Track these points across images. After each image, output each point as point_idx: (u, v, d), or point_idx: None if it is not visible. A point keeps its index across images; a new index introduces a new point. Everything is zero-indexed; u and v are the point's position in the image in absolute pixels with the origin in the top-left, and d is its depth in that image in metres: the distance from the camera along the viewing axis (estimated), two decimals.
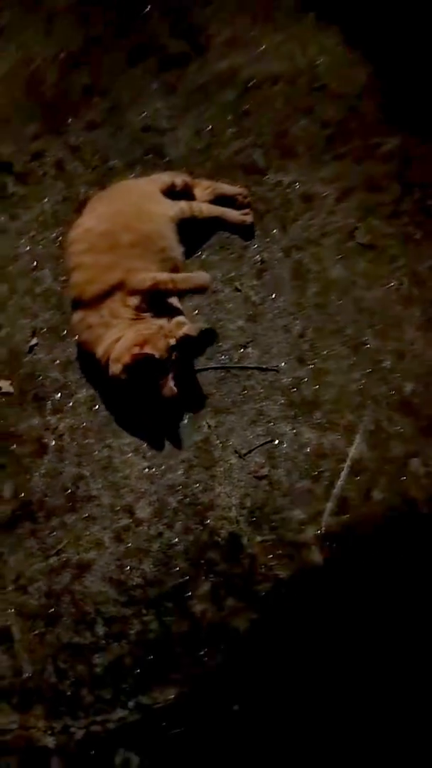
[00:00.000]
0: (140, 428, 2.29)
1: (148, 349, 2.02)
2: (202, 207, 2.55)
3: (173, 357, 2.12)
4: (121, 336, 2.10)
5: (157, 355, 2.03)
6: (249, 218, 2.60)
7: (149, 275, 2.16)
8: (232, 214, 2.60)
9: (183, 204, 2.50)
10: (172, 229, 2.41)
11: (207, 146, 2.85)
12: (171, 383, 2.10)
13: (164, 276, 2.19)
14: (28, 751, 1.86)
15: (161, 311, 2.21)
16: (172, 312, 2.25)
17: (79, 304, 2.21)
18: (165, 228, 2.37)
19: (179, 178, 2.61)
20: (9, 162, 2.83)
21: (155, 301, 2.18)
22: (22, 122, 2.93)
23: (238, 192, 2.64)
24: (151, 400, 2.13)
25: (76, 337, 2.25)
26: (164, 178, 2.60)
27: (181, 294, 2.30)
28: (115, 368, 2.07)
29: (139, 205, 2.40)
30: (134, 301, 2.14)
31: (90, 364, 2.32)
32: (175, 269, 2.35)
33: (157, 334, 2.09)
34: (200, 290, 2.28)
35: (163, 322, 2.16)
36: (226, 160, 2.80)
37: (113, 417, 2.31)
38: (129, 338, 2.09)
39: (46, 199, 2.74)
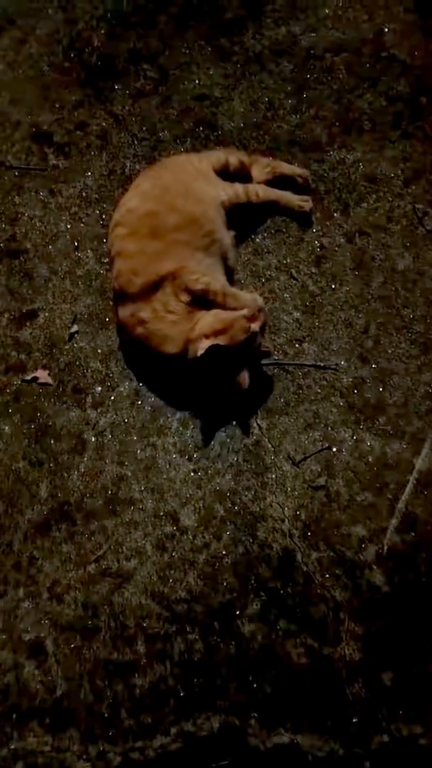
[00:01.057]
0: (188, 425, 2.11)
1: (222, 340, 1.86)
2: (258, 190, 2.33)
3: (256, 344, 1.96)
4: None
5: (233, 346, 1.87)
6: (308, 205, 2.38)
7: (202, 279, 1.97)
8: (291, 198, 2.37)
9: (238, 187, 2.29)
10: (222, 213, 2.20)
11: (263, 119, 2.62)
12: (245, 374, 1.93)
13: (216, 287, 1.99)
14: None
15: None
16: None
17: (124, 297, 2.03)
18: (214, 211, 2.17)
19: (234, 157, 2.39)
20: (50, 132, 2.64)
21: (206, 302, 1.99)
22: (64, 89, 2.73)
23: (299, 173, 2.41)
24: (220, 389, 1.98)
25: (130, 333, 2.05)
26: (219, 155, 2.38)
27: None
28: (192, 350, 1.91)
29: (187, 184, 2.19)
30: (186, 297, 1.95)
31: (138, 357, 2.15)
32: (223, 255, 2.15)
33: (238, 321, 1.91)
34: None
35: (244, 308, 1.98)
36: (284, 135, 2.57)
37: (160, 412, 2.13)
38: (208, 322, 1.92)
39: (89, 173, 2.54)
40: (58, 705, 1.79)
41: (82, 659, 1.83)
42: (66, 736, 1.76)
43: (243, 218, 2.32)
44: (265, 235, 2.40)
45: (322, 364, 2.18)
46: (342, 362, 2.19)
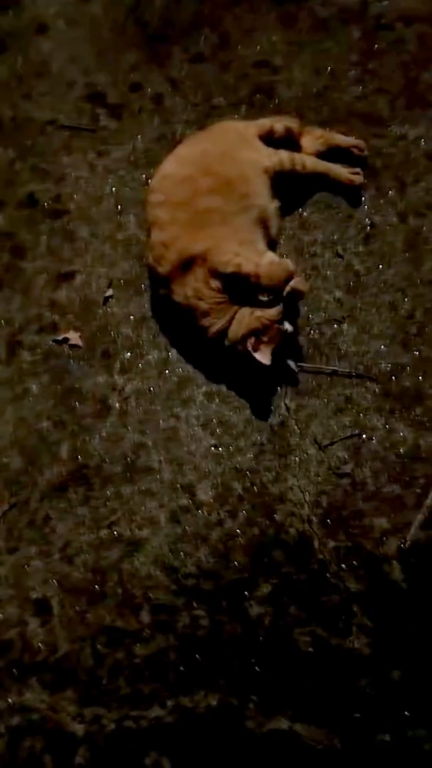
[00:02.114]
0: (213, 399, 2.06)
1: (263, 350, 1.87)
2: (306, 160, 2.23)
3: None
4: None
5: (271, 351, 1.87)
6: (359, 179, 2.26)
7: (233, 261, 1.89)
8: (340, 171, 2.26)
9: (283, 154, 2.19)
10: (264, 179, 2.11)
11: (324, 89, 2.50)
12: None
13: (249, 268, 1.89)
14: (54, 735, 1.72)
15: (250, 301, 1.94)
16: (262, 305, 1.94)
17: (157, 278, 1.99)
18: (254, 175, 2.08)
19: (281, 124, 2.28)
20: (103, 92, 2.60)
21: (240, 289, 1.91)
22: (121, 50, 2.68)
23: (355, 144, 2.29)
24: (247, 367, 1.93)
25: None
26: (264, 121, 2.29)
27: (268, 289, 1.92)
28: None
29: (226, 148, 2.11)
30: (217, 283, 1.89)
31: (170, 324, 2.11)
32: (264, 223, 2.07)
33: (274, 323, 1.89)
34: (292, 293, 1.93)
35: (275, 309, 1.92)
36: (345, 107, 2.45)
37: (186, 383, 2.09)
38: (245, 324, 1.89)
39: (139, 137, 2.49)
40: (58, 665, 1.79)
41: (86, 622, 1.82)
42: (63, 696, 1.76)
43: (290, 190, 2.22)
44: (313, 209, 2.30)
45: (355, 373, 2.05)
46: (382, 347, 2.09)
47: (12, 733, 1.73)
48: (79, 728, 1.73)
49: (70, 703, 1.75)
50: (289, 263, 1.91)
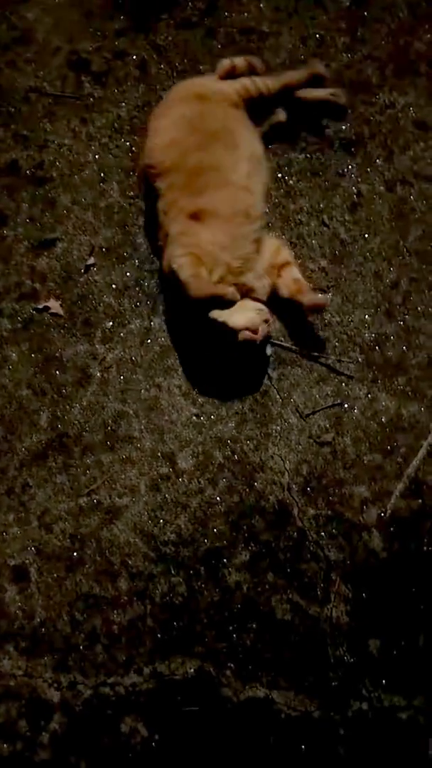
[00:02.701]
0: (195, 368, 2.04)
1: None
2: (268, 80, 2.18)
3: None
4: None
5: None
6: (341, 97, 2.21)
7: (178, 261, 1.87)
8: (318, 91, 2.21)
9: (244, 79, 2.15)
10: (240, 116, 2.09)
11: (312, 56, 2.46)
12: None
13: (187, 274, 1.86)
14: (30, 702, 1.71)
15: None
16: None
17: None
18: (234, 121, 2.07)
19: (241, 59, 2.23)
20: (88, 60, 2.55)
21: None
22: (107, 17, 2.63)
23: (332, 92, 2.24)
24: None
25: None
26: (224, 61, 2.23)
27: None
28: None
29: (200, 107, 2.09)
30: None
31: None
32: (257, 169, 2.05)
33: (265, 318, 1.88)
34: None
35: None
36: (333, 74, 2.41)
37: (168, 353, 2.06)
38: (240, 322, 1.86)
39: (123, 104, 2.45)
40: (35, 632, 1.78)
41: (63, 589, 1.81)
42: (40, 662, 1.75)
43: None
44: (299, 177, 2.26)
45: (337, 367, 2.01)
46: (366, 317, 2.06)
47: None
48: (55, 695, 1.72)
49: (47, 669, 1.74)
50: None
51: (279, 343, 2.04)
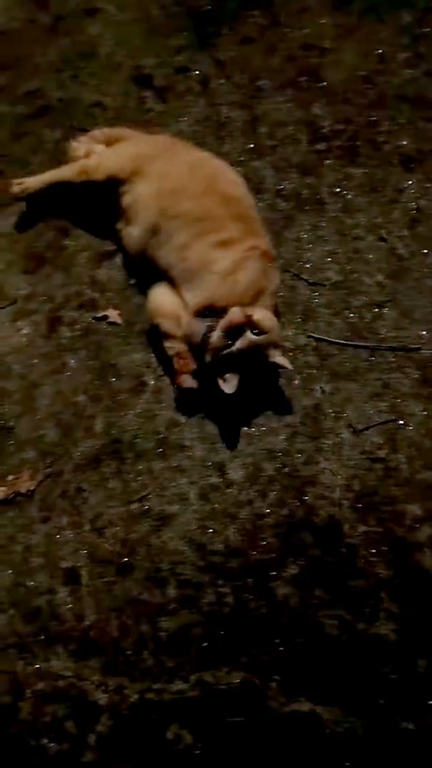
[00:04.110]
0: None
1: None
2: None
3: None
4: None
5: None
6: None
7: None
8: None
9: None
10: None
11: (372, 72, 2.47)
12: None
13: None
14: (78, 703, 1.74)
15: None
16: None
17: None
18: None
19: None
20: (150, 75, 2.62)
21: None
22: (169, 33, 2.70)
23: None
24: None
25: None
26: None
27: None
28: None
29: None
30: None
31: None
32: None
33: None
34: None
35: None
36: (393, 90, 2.43)
37: None
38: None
39: (184, 118, 2.51)
40: (84, 634, 1.81)
41: (113, 594, 1.84)
42: (88, 664, 1.78)
43: None
44: (358, 192, 2.27)
45: (400, 346, 2.01)
46: (423, 332, 2.04)
47: (36, 698, 1.76)
48: (102, 697, 1.74)
49: (95, 672, 1.77)
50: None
51: (325, 338, 2.04)
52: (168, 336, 2.01)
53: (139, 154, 2.16)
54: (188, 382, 1.96)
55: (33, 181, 2.29)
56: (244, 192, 2.10)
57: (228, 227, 1.96)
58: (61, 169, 2.29)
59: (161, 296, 2.03)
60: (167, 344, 2.02)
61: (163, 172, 2.08)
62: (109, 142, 2.30)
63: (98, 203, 2.23)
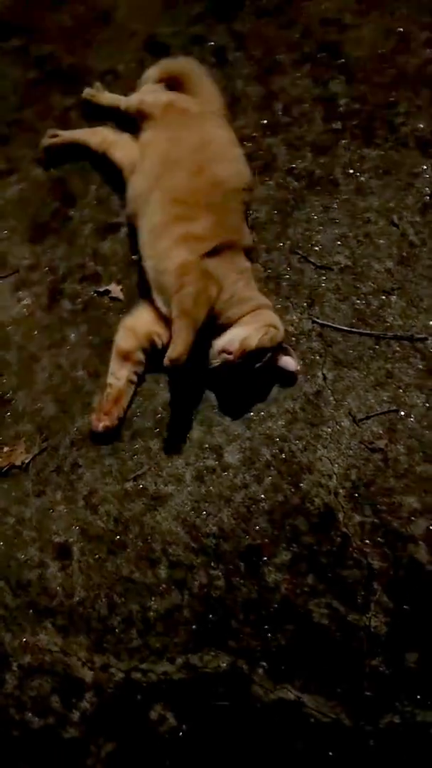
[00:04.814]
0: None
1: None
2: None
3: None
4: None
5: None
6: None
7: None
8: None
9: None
10: None
11: (393, 51, 2.39)
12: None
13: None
14: (64, 678, 1.74)
15: None
16: None
17: None
18: None
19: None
20: (165, 44, 2.54)
21: None
22: (186, 1, 2.61)
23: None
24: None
25: None
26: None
27: None
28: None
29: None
30: None
31: None
32: None
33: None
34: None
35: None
36: (412, 69, 2.35)
37: None
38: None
39: None
40: (73, 610, 1.80)
41: (104, 571, 1.83)
42: (76, 641, 1.77)
43: None
44: (371, 174, 2.20)
45: (407, 335, 1.97)
46: (431, 322, 2.00)
47: (23, 672, 1.76)
48: (88, 674, 1.74)
49: (82, 648, 1.76)
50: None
51: (330, 324, 2.00)
52: (119, 356, 1.97)
53: (175, 105, 2.14)
54: (100, 426, 1.92)
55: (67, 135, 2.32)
56: (237, 172, 2.05)
57: (200, 220, 1.90)
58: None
59: (136, 311, 2.01)
60: (110, 376, 1.97)
61: (176, 137, 2.03)
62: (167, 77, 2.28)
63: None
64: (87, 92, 2.39)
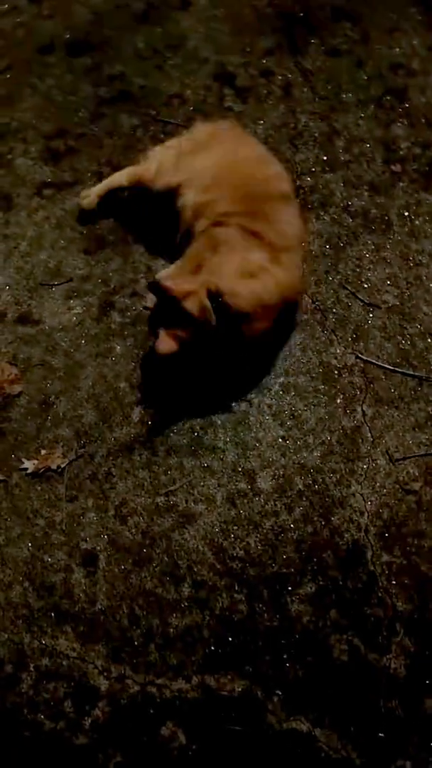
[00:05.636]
0: (289, 391, 2.04)
1: None
2: None
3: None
4: None
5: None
6: None
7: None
8: None
9: None
10: None
11: None
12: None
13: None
14: (79, 685, 1.75)
15: None
16: None
17: None
18: None
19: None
20: (233, 74, 2.61)
21: None
22: (259, 34, 2.69)
23: None
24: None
25: None
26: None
27: None
28: None
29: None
30: None
31: None
32: None
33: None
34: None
35: None
36: None
37: (265, 372, 2.08)
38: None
39: (261, 122, 2.50)
40: (94, 618, 1.82)
41: (128, 583, 1.85)
42: (94, 648, 1.79)
43: None
44: (427, 218, 2.24)
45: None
46: None
47: (39, 673, 1.77)
48: (103, 683, 1.75)
49: (100, 657, 1.78)
50: None
51: (373, 361, 2.03)
52: None
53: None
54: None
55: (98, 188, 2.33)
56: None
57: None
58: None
59: None
60: None
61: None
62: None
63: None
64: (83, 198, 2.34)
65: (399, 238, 2.21)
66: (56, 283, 2.26)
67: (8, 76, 2.69)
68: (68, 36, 2.76)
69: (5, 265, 2.30)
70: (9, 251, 2.32)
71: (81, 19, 2.80)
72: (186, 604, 1.81)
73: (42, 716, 1.73)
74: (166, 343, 1.86)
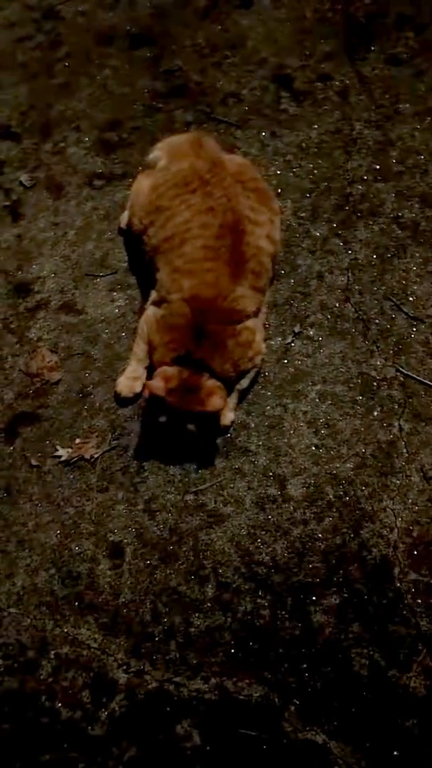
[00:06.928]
0: (326, 400, 2.03)
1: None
2: None
3: None
4: None
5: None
6: None
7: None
8: None
9: None
10: None
11: None
12: None
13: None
14: (98, 676, 1.76)
15: None
16: None
17: None
18: None
19: None
20: (291, 77, 2.60)
21: None
22: (320, 38, 2.67)
23: None
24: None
25: None
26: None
27: None
28: None
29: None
30: None
31: None
32: None
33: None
34: None
35: None
36: None
37: (302, 377, 2.07)
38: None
39: (315, 126, 2.48)
40: (117, 610, 1.83)
41: (153, 578, 1.85)
42: (115, 641, 1.80)
43: None
44: None
45: None
46: None
47: (59, 661, 1.79)
48: (122, 676, 1.76)
49: (120, 650, 1.79)
50: None
51: (414, 376, 2.01)
52: None
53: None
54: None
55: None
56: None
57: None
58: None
59: None
60: None
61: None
62: None
63: None
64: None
65: (429, 269, 2.19)
66: (101, 274, 2.28)
67: (66, 64, 2.71)
68: (128, 28, 2.76)
69: (52, 252, 2.32)
70: (57, 239, 2.34)
71: (142, 11, 2.81)
72: (209, 605, 1.82)
73: (59, 704, 1.75)
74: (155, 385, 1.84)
